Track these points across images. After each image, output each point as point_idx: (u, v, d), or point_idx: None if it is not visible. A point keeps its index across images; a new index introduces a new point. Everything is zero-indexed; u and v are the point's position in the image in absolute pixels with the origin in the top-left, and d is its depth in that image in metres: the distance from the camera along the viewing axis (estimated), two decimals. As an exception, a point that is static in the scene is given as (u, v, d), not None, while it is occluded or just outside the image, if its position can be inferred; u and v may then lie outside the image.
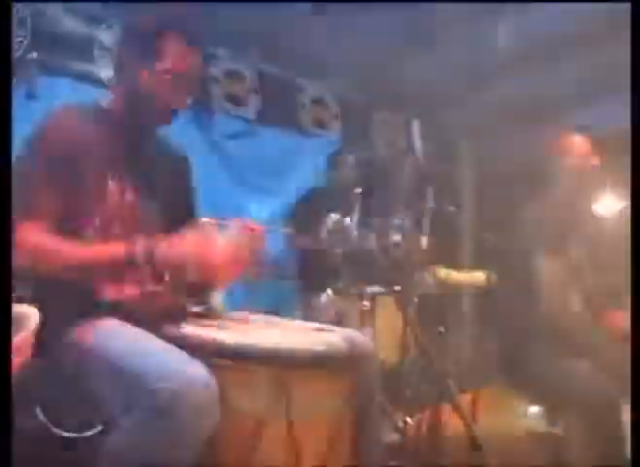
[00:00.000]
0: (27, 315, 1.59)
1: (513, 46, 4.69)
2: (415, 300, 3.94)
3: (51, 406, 1.99)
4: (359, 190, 3.87)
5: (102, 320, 1.90)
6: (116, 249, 1.89)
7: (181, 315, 2.08)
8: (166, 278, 2.02)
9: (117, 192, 2.05)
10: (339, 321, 3.91)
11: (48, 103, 4.15)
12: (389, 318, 3.74)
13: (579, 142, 3.21)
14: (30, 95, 3.84)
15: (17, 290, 1.79)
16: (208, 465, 1.69)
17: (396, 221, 3.80)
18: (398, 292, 3.33)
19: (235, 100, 5.30)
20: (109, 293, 1.95)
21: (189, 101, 2.14)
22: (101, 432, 1.91)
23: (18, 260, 1.82)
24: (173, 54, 2.07)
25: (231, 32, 4.85)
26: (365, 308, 3.83)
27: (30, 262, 1.86)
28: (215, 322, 2.09)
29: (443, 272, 4.12)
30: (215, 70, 5.14)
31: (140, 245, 1.86)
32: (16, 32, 3.82)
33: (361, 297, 3.90)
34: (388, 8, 4.38)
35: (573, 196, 3.16)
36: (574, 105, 5.64)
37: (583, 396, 2.77)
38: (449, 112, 6.41)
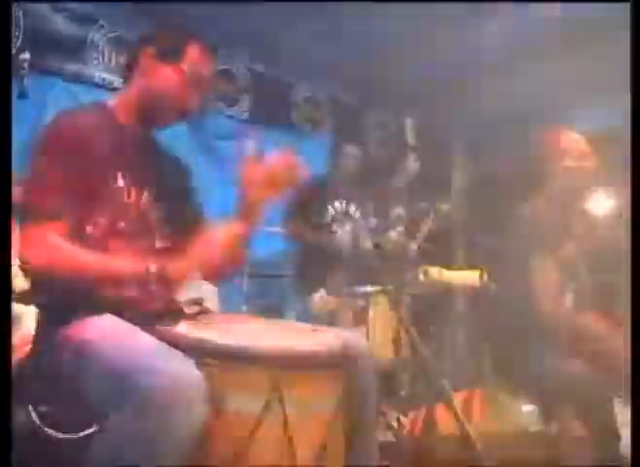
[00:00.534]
0: (24, 314, 1.59)
1: (502, 45, 4.70)
2: (408, 299, 3.95)
3: (44, 405, 1.98)
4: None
5: (96, 317, 1.89)
6: (131, 266, 1.90)
7: (176, 315, 2.07)
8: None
9: (125, 191, 2.05)
10: (333, 321, 3.91)
11: (39, 103, 4.16)
12: (382, 318, 3.75)
13: (573, 142, 3.21)
14: (22, 95, 3.84)
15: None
16: (203, 465, 1.69)
17: (389, 220, 3.80)
18: (391, 291, 3.33)
19: (227, 100, 5.30)
20: (104, 291, 1.95)
21: (197, 107, 2.16)
22: (96, 432, 1.90)
23: (35, 260, 1.87)
24: (194, 56, 2.11)
25: (223, 32, 4.85)
26: (358, 308, 3.84)
27: (46, 264, 1.87)
28: (209, 322, 2.09)
29: (436, 272, 4.12)
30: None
31: (154, 267, 1.88)
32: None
33: (354, 296, 3.91)
34: (380, 8, 4.38)
35: (567, 195, 3.17)
36: (568, 105, 5.66)
37: (576, 395, 2.78)
38: (443, 111, 6.42)
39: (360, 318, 3.81)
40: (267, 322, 2.24)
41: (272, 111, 5.60)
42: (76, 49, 4.44)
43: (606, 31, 4.54)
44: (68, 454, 1.97)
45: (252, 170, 2.07)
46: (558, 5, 4.36)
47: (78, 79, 4.46)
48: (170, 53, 2.10)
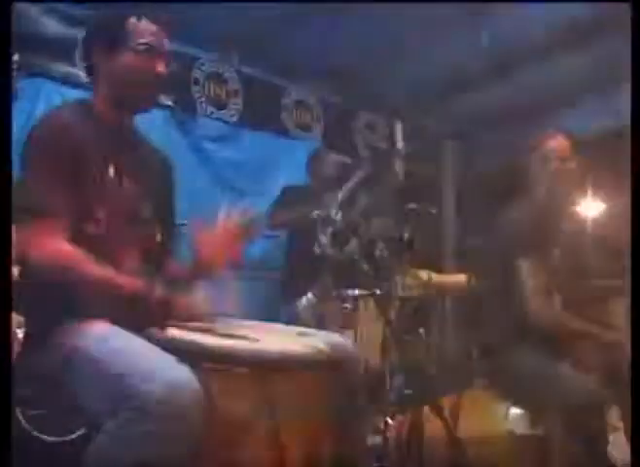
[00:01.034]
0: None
1: (495, 47, 4.70)
2: (397, 302, 3.95)
3: (34, 409, 1.98)
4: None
5: (89, 322, 1.89)
6: (133, 284, 1.91)
7: (168, 318, 2.08)
8: None
9: (117, 186, 2.06)
10: (321, 324, 3.91)
11: (29, 104, 4.15)
12: (371, 321, 3.75)
13: (560, 144, 3.23)
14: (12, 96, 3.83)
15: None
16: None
17: (377, 222, 3.80)
18: (379, 294, 3.33)
19: (217, 103, 5.30)
20: (97, 295, 1.95)
21: (166, 73, 2.14)
22: (84, 435, 1.90)
23: (35, 261, 1.87)
24: (140, 31, 2.11)
25: (214, 35, 4.85)
26: (347, 311, 3.84)
27: (47, 267, 1.87)
28: (200, 326, 2.09)
29: (424, 275, 4.13)
30: (197, 73, 5.13)
31: (159, 291, 1.91)
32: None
33: (343, 299, 3.91)
34: (371, 9, 4.39)
35: (554, 197, 3.18)
36: (556, 107, 5.68)
37: (564, 398, 2.78)
38: (433, 114, 6.44)
39: (348, 321, 3.81)
40: (257, 325, 2.25)
41: (262, 114, 5.60)
42: (65, 50, 4.43)
43: (596, 33, 4.57)
44: (57, 458, 1.98)
45: (204, 234, 2.10)
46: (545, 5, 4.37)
47: (67, 80, 4.45)
48: (118, 37, 2.09)
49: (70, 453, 1.81)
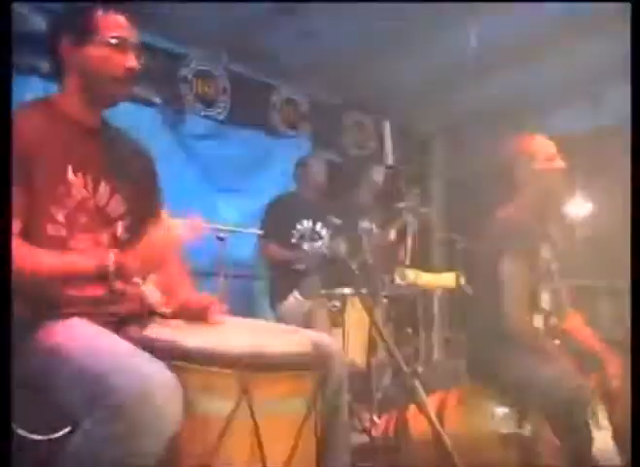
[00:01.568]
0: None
1: (483, 47, 4.70)
2: (384, 301, 3.95)
3: (16, 407, 1.97)
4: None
5: (66, 320, 1.88)
6: (86, 262, 1.89)
7: (146, 317, 2.07)
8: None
9: (80, 186, 2.03)
10: (308, 322, 3.91)
11: (17, 102, 4.13)
12: (358, 320, 3.75)
13: (547, 144, 3.23)
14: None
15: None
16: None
17: (365, 223, 3.80)
18: (367, 293, 3.33)
19: (206, 101, 5.29)
20: (74, 293, 1.94)
21: (137, 67, 2.11)
22: (69, 434, 1.89)
23: None
24: (109, 25, 2.08)
25: (202, 33, 4.84)
26: (334, 310, 3.84)
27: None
28: (180, 324, 2.08)
29: (412, 274, 4.13)
30: (185, 70, 5.12)
31: (112, 260, 1.87)
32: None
33: (330, 298, 3.91)
34: (359, 9, 4.38)
35: (542, 197, 3.18)
36: (544, 107, 5.69)
37: (549, 397, 2.79)
38: (420, 113, 6.44)
39: (335, 320, 3.81)
40: (238, 322, 2.23)
41: (251, 112, 5.59)
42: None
43: (590, 31, 4.58)
44: (42, 456, 1.96)
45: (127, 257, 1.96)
46: (543, 5, 4.36)
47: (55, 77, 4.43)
48: (84, 33, 2.07)
49: (55, 452, 1.79)
